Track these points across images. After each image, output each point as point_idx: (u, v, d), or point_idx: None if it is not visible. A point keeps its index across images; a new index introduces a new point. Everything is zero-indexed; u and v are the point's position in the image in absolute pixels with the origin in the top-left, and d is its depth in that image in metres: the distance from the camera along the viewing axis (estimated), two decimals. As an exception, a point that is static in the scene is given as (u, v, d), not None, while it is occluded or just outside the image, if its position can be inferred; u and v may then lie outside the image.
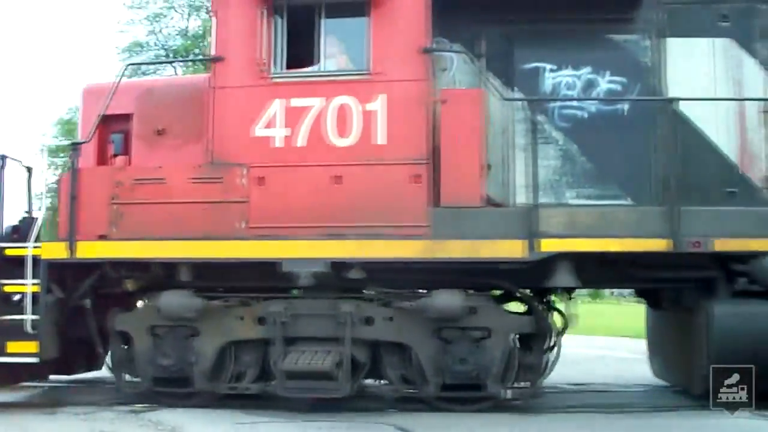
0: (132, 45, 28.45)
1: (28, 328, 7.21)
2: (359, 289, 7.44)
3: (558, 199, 7.20)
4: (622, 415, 7.11)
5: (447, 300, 6.96)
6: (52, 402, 7.76)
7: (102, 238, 7.27)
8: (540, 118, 7.24)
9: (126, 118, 7.87)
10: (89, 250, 7.26)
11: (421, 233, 6.89)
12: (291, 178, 7.08)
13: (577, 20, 7.35)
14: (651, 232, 6.80)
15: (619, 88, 7.34)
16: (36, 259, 7.29)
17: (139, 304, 7.79)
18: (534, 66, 7.40)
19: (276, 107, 7.15)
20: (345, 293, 7.34)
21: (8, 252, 7.54)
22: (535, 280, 7.17)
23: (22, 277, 7.32)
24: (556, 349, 7.74)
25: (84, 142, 7.51)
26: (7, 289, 7.46)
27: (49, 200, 8.94)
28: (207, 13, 6.72)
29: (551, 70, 7.38)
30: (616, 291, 28.33)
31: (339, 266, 7.04)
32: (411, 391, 7.32)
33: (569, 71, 7.37)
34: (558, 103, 7.30)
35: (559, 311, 8.49)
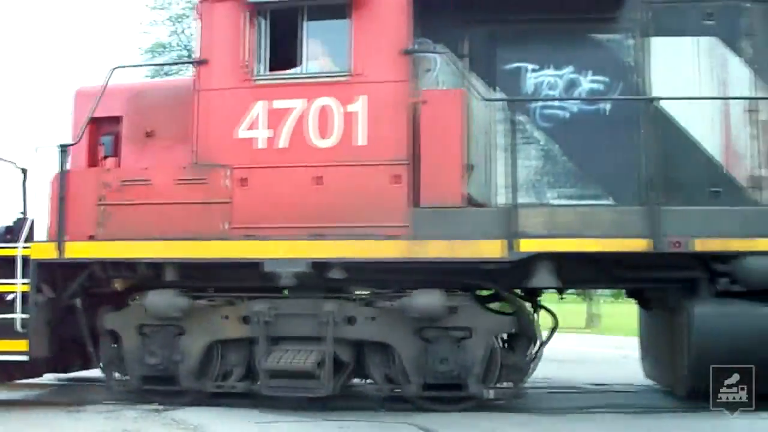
0: (155, 46, 28.65)
1: (18, 327, 7.36)
2: (344, 289, 7.50)
3: (539, 200, 7.19)
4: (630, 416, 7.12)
5: (427, 300, 6.98)
6: (78, 400, 7.82)
7: (91, 238, 7.41)
8: (521, 118, 7.24)
9: (117, 120, 8.01)
10: (77, 250, 7.40)
11: (401, 233, 6.93)
12: (273, 179, 7.15)
13: (559, 20, 7.35)
14: (631, 232, 6.77)
15: (601, 87, 7.32)
16: (26, 259, 7.45)
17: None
18: (516, 66, 7.40)
19: (259, 109, 7.24)
20: (330, 293, 7.40)
21: (0, 252, 7.69)
22: (516, 281, 7.18)
23: (15, 277, 7.47)
24: (539, 348, 7.76)
25: (72, 144, 7.64)
26: (-1, 288, 7.62)
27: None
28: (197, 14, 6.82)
29: (533, 70, 7.37)
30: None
31: (320, 266, 7.09)
32: (395, 390, 7.37)
33: (551, 71, 7.35)
34: (539, 103, 7.29)
35: (548, 310, 8.49)
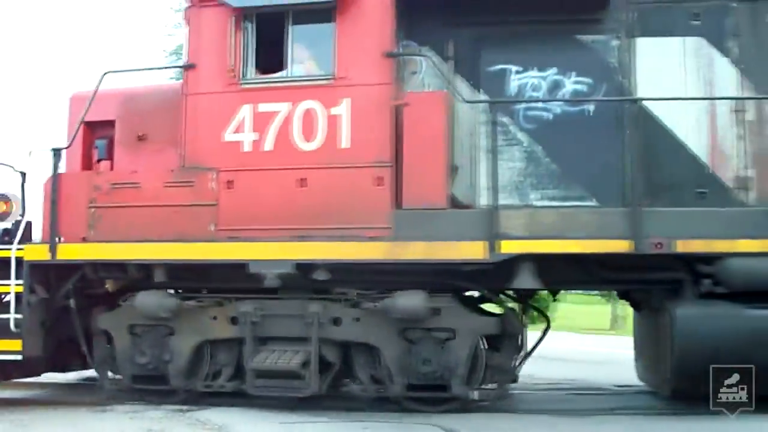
0: (179, 48, 28.98)
1: (12, 327, 7.52)
2: (332, 290, 7.56)
3: (522, 201, 7.19)
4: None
5: (409, 301, 7.02)
6: (104, 400, 7.85)
7: (83, 240, 7.56)
8: (505, 119, 7.25)
9: (110, 124, 8.14)
10: (69, 251, 7.54)
11: (384, 235, 6.98)
12: (258, 182, 7.23)
13: (544, 22, 7.34)
14: (613, 233, 6.74)
15: (585, 89, 7.30)
16: (21, 261, 7.61)
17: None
18: (501, 68, 7.40)
19: (245, 112, 7.33)
20: (317, 294, 7.48)
21: (-5, 254, 7.87)
22: (499, 282, 7.19)
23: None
24: (531, 350, 7.79)
25: (64, 148, 7.79)
26: (-5, 289, 7.80)
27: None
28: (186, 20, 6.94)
29: (517, 72, 7.38)
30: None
31: (305, 267, 7.17)
32: (380, 391, 7.43)
33: (535, 72, 7.35)
34: (523, 105, 7.30)
35: (540, 311, 8.51)
